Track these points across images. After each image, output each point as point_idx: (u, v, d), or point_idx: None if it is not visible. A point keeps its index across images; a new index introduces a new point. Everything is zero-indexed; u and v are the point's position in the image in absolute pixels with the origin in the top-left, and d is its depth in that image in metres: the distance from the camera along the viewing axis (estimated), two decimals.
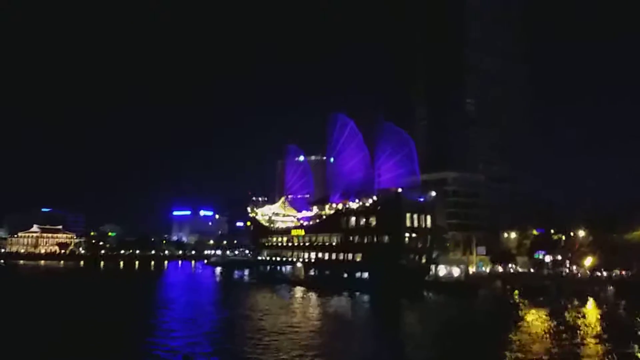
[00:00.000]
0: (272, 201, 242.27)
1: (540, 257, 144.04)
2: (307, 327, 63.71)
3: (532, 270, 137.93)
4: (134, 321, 67.01)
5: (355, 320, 75.52)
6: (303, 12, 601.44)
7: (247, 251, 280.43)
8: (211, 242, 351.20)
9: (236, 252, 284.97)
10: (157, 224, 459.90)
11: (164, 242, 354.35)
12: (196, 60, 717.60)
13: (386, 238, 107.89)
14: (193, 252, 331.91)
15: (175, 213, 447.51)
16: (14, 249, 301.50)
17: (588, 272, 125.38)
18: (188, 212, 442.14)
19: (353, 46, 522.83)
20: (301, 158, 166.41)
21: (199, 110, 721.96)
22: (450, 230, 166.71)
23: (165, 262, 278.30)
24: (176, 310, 79.47)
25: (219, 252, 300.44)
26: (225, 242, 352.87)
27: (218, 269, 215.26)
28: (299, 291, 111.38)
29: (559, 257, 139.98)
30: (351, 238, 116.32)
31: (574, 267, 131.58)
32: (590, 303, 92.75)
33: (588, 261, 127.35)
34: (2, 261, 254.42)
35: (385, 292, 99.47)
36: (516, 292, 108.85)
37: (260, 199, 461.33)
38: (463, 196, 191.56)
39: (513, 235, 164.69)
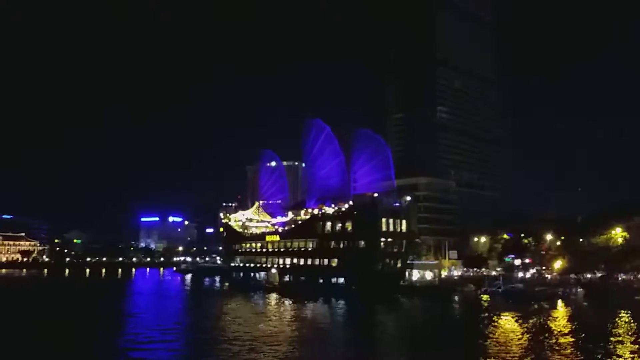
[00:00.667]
0: (244, 207, 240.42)
1: (510, 261, 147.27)
2: (284, 335, 62.76)
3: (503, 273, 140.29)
4: (102, 333, 64.07)
5: (332, 327, 74.39)
6: (283, 24, 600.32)
7: (218, 258, 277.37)
8: (180, 248, 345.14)
9: (206, 259, 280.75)
10: (125, 231, 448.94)
11: (132, 248, 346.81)
12: (170, 63, 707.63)
13: (362, 243, 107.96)
14: (162, 259, 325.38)
15: (143, 219, 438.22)
16: None
17: (557, 275, 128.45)
18: (156, 219, 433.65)
19: (330, 58, 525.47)
20: (273, 163, 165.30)
21: (166, 115, 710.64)
22: (421, 234, 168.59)
23: (133, 269, 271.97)
24: (146, 319, 76.76)
25: (188, 259, 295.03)
26: (194, 248, 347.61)
27: (188, 276, 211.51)
28: (273, 298, 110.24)
29: (528, 261, 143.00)
30: (327, 243, 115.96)
31: (544, 271, 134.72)
32: (560, 305, 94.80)
33: (558, 264, 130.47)
34: None
35: (360, 297, 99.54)
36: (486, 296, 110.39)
37: (231, 204, 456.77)
38: (433, 201, 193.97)
39: (483, 239, 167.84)
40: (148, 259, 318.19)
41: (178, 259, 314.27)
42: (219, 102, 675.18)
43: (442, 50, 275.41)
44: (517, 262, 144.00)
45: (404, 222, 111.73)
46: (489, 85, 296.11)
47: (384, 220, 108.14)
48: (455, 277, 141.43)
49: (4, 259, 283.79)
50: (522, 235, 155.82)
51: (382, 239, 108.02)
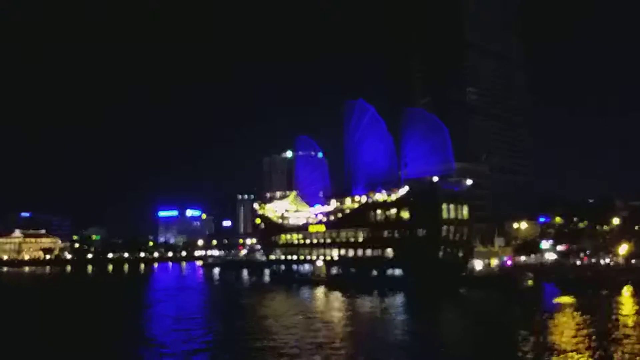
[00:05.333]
0: (260, 198, 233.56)
1: (547, 246, 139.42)
2: (348, 332, 58.13)
3: (557, 260, 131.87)
4: (152, 338, 57.14)
5: (399, 325, 65.69)
6: (302, 14, 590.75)
7: (242, 251, 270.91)
8: (200, 242, 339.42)
9: (232, 252, 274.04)
10: (143, 226, 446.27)
11: (151, 243, 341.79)
12: (176, 63, 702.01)
13: (421, 231, 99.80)
14: (183, 253, 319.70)
15: (161, 214, 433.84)
16: None
17: (624, 260, 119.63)
18: (175, 213, 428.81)
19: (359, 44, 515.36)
20: (289, 153, 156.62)
21: (180, 111, 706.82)
22: None
23: (155, 264, 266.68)
24: (192, 320, 69.43)
25: (215, 252, 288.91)
26: (215, 242, 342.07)
27: (216, 270, 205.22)
28: (321, 292, 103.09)
29: (574, 247, 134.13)
30: (380, 233, 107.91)
31: (608, 257, 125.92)
32: (628, 292, 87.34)
33: (623, 249, 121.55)
34: None
35: (422, 290, 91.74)
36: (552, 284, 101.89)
37: (246, 196, 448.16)
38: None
39: (524, 225, 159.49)
40: (170, 254, 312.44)
41: (200, 253, 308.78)
42: (218, 102, 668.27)
43: (470, 33, 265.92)
44: (560, 247, 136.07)
45: (465, 207, 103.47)
46: (518, 67, 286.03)
47: (444, 206, 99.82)
48: (508, 266, 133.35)
49: (26, 257, 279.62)
50: (575, 219, 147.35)
51: (444, 227, 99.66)
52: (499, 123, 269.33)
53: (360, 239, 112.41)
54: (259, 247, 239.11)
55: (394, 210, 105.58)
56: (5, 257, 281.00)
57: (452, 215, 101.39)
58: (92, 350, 51.09)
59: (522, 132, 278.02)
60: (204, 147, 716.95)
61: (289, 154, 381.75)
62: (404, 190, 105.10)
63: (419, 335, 58.36)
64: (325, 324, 63.38)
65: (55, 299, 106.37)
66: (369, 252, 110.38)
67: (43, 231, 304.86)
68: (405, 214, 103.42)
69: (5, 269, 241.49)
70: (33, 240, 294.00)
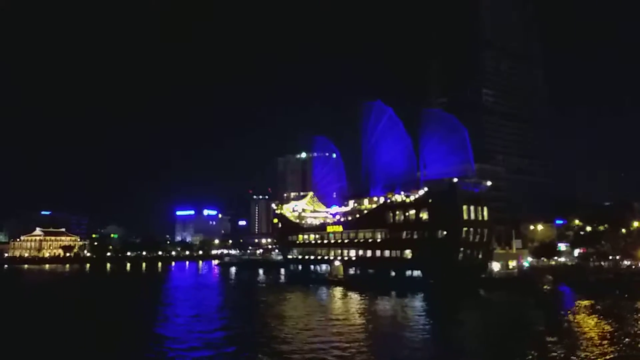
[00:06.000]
0: (274, 198, 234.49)
1: (563, 248, 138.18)
2: (367, 332, 58.35)
3: (576, 262, 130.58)
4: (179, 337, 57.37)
5: (421, 327, 64.53)
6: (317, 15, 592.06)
7: (258, 250, 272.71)
8: (216, 241, 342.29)
9: (248, 251, 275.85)
10: (160, 225, 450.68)
11: (168, 242, 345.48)
12: (196, 63, 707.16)
13: (441, 233, 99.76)
14: (200, 252, 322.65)
15: (178, 213, 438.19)
16: (16, 253, 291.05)
17: None
18: (192, 212, 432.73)
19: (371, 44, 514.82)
20: (303, 154, 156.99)
21: (199, 111, 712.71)
22: None
23: (172, 263, 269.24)
24: (213, 320, 69.86)
25: (232, 251, 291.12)
26: (230, 241, 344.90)
27: (233, 269, 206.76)
28: (339, 292, 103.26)
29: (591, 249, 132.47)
30: (398, 233, 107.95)
31: (628, 260, 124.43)
32: None
33: None
34: (5, 266, 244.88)
35: (440, 291, 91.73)
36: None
37: (261, 196, 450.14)
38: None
39: (540, 227, 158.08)
40: (187, 253, 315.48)
41: (216, 252, 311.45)
42: (238, 103, 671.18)
43: (486, 32, 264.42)
44: (578, 250, 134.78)
45: (485, 209, 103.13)
46: (536, 66, 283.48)
47: (464, 207, 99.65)
48: (526, 268, 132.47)
49: (46, 254, 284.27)
50: (595, 223, 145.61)
51: (464, 228, 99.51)
52: (516, 123, 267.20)
53: (379, 240, 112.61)
54: (274, 246, 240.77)
55: (413, 211, 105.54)
56: (26, 255, 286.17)
57: (472, 216, 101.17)
58: (111, 352, 51.64)
59: (539, 132, 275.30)
60: (221, 147, 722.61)
61: (303, 154, 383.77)
62: (423, 191, 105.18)
63: (442, 337, 58.26)
64: (347, 325, 63.43)
65: (77, 296, 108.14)
66: (387, 253, 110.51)
67: (63, 229, 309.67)
68: (425, 215, 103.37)
69: (26, 266, 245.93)
70: (53, 238, 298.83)
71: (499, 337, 56.13)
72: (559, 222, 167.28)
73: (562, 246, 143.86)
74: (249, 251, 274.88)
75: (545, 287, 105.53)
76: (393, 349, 50.73)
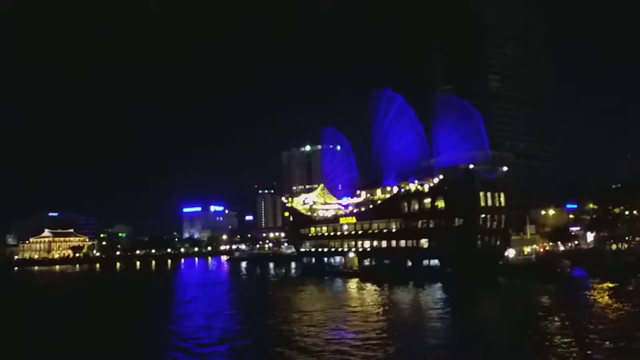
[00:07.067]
0: (279, 192, 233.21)
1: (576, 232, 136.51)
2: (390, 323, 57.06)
3: (592, 246, 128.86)
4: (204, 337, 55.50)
5: (444, 318, 62.21)
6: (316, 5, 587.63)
7: (267, 245, 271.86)
8: (224, 237, 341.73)
9: (258, 246, 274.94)
10: (167, 222, 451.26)
11: (176, 239, 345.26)
12: (197, 61, 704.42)
13: (458, 221, 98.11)
14: (209, 248, 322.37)
15: (185, 210, 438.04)
16: (26, 255, 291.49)
17: None
18: (199, 209, 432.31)
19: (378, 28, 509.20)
20: (307, 147, 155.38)
21: (201, 108, 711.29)
22: None
23: (182, 259, 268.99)
24: (229, 316, 68.82)
25: (240, 246, 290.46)
26: (238, 236, 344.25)
27: (243, 264, 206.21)
28: (355, 284, 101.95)
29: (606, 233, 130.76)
30: (414, 223, 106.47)
31: None
32: None
33: None
34: (16, 268, 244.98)
35: (458, 280, 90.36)
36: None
37: (266, 191, 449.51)
38: None
39: (551, 212, 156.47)
40: (195, 249, 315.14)
41: (224, 247, 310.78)
42: (239, 99, 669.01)
43: (490, 16, 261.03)
44: (589, 237, 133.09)
45: (502, 195, 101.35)
46: (541, 50, 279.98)
47: (481, 194, 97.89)
48: (541, 253, 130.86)
49: (56, 256, 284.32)
50: (611, 206, 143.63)
51: (481, 215, 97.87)
52: (523, 108, 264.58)
53: (393, 230, 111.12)
54: (283, 240, 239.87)
55: (428, 200, 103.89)
56: (36, 257, 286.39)
57: (490, 203, 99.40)
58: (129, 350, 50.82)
59: (546, 116, 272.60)
60: (224, 144, 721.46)
61: (307, 147, 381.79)
62: (438, 179, 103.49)
63: (464, 327, 56.48)
64: (366, 316, 62.20)
65: (92, 296, 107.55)
66: (402, 242, 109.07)
67: (71, 230, 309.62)
68: (441, 203, 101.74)
69: (36, 268, 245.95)
70: (62, 239, 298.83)
71: (521, 326, 54.38)
72: (569, 206, 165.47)
73: (575, 230, 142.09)
74: (257, 245, 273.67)
75: (565, 271, 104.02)
76: (415, 339, 49.18)
